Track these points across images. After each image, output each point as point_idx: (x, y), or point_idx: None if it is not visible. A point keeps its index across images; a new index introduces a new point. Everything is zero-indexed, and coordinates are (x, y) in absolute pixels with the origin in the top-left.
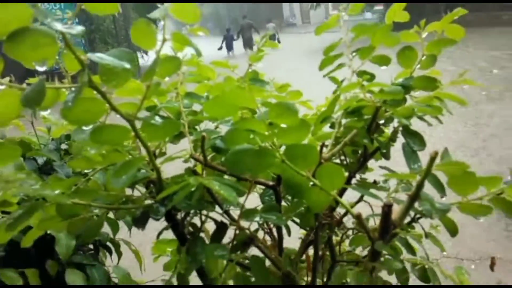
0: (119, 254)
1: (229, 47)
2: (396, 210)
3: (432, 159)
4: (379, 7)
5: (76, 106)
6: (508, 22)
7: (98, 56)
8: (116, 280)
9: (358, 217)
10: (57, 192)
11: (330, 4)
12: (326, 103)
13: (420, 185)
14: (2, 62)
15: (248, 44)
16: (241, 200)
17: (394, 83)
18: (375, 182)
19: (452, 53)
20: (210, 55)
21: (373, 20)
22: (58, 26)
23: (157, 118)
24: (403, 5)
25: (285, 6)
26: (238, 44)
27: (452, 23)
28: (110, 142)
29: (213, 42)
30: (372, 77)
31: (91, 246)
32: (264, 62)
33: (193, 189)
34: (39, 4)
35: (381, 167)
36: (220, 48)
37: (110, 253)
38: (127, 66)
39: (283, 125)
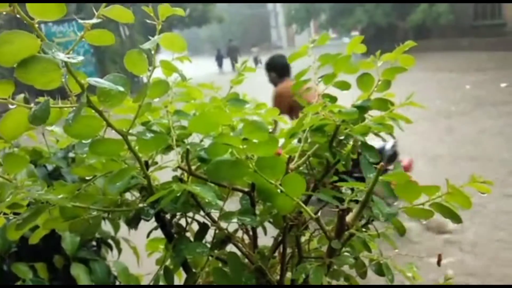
0: (119, 250)
1: (220, 65)
2: (351, 213)
3: (379, 170)
4: (355, 32)
5: (76, 123)
6: (467, 47)
7: (96, 80)
8: (116, 273)
9: (317, 220)
10: (60, 196)
11: (312, 30)
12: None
13: (369, 193)
14: (13, 86)
15: (234, 62)
16: (222, 204)
17: (354, 104)
18: (338, 189)
19: (418, 73)
20: (205, 71)
21: None
22: (61, 56)
23: (147, 133)
24: (361, 38)
25: (273, 31)
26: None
27: (405, 53)
28: (107, 153)
29: (209, 60)
30: (334, 99)
31: (94, 243)
32: (258, 77)
33: (178, 194)
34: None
35: (341, 176)
36: (220, 66)
37: (111, 249)
38: (121, 89)
39: (254, 140)
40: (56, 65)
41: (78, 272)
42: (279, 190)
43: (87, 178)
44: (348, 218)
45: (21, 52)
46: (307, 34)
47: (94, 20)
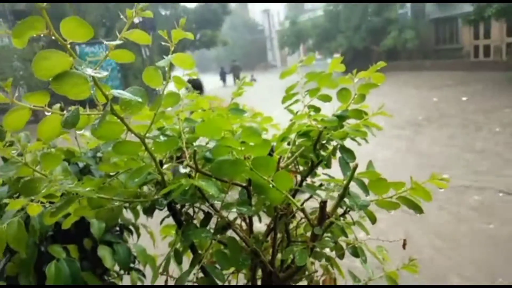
0: (138, 235)
1: (224, 80)
2: (330, 205)
3: (354, 169)
4: (336, 54)
5: (101, 127)
6: (430, 67)
7: (119, 92)
8: (135, 254)
9: (302, 210)
10: (87, 189)
11: (301, 52)
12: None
13: (345, 188)
14: (48, 96)
15: (237, 78)
16: (224, 196)
17: (334, 114)
18: (321, 184)
19: (388, 89)
20: (212, 85)
21: None
22: (89, 71)
23: (161, 137)
24: (341, 59)
25: (269, 52)
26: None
27: (377, 72)
28: (127, 153)
29: (215, 77)
30: (317, 109)
31: (118, 228)
32: (256, 91)
33: (187, 188)
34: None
35: (324, 173)
36: (224, 81)
37: (132, 233)
38: (140, 100)
39: (251, 143)
40: (85, 79)
41: (104, 253)
42: (271, 185)
43: (111, 174)
44: (328, 208)
45: (56, 67)
46: (297, 55)
47: (118, 42)
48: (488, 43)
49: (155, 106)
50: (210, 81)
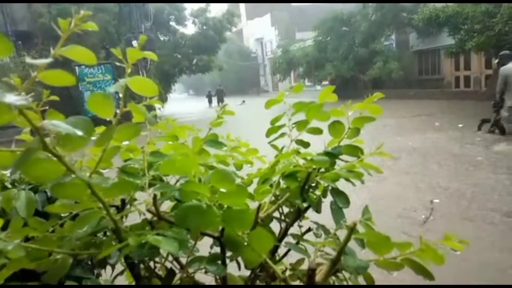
0: (113, 268)
1: (210, 102)
2: (321, 272)
3: (351, 229)
4: (325, 82)
5: (31, 167)
6: (412, 96)
7: (53, 124)
8: None
9: (284, 280)
10: (14, 244)
11: (292, 79)
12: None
13: (340, 252)
14: None
15: (220, 101)
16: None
17: (325, 151)
18: (309, 229)
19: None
20: (202, 106)
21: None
22: (9, 97)
23: (109, 181)
24: (333, 87)
25: (262, 78)
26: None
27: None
28: (69, 197)
29: (202, 99)
30: (306, 144)
31: (89, 262)
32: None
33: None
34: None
35: (311, 221)
36: (210, 102)
37: (105, 267)
38: (80, 133)
39: (222, 189)
40: (8, 106)
41: None
42: (246, 243)
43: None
44: (318, 277)
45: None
46: (289, 81)
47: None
48: (469, 74)
49: (101, 141)
50: (202, 103)
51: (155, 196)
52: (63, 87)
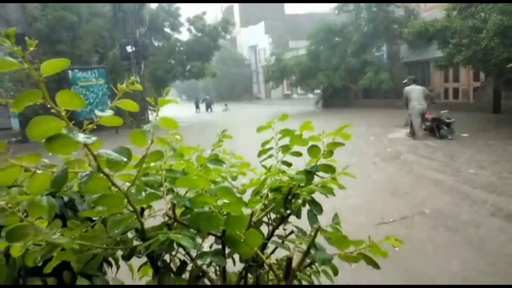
0: (118, 267)
1: (197, 107)
2: (296, 260)
3: (316, 230)
4: (317, 91)
5: (88, 183)
6: (400, 106)
7: (107, 153)
8: None
9: (269, 266)
10: (68, 240)
11: (285, 87)
12: (259, 180)
13: (309, 246)
14: (40, 157)
15: (208, 107)
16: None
17: (304, 169)
18: (292, 232)
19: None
20: (191, 113)
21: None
22: (80, 137)
23: (143, 192)
24: (310, 122)
25: (255, 85)
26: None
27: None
28: (111, 205)
29: (190, 105)
30: (289, 164)
31: None
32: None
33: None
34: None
35: (293, 225)
36: (197, 108)
37: (111, 266)
38: (125, 159)
39: (225, 200)
40: (76, 141)
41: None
42: (242, 240)
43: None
44: (294, 264)
45: (49, 131)
46: (281, 89)
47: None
48: (457, 86)
49: (139, 164)
50: (191, 109)
51: (174, 204)
52: (53, 90)
